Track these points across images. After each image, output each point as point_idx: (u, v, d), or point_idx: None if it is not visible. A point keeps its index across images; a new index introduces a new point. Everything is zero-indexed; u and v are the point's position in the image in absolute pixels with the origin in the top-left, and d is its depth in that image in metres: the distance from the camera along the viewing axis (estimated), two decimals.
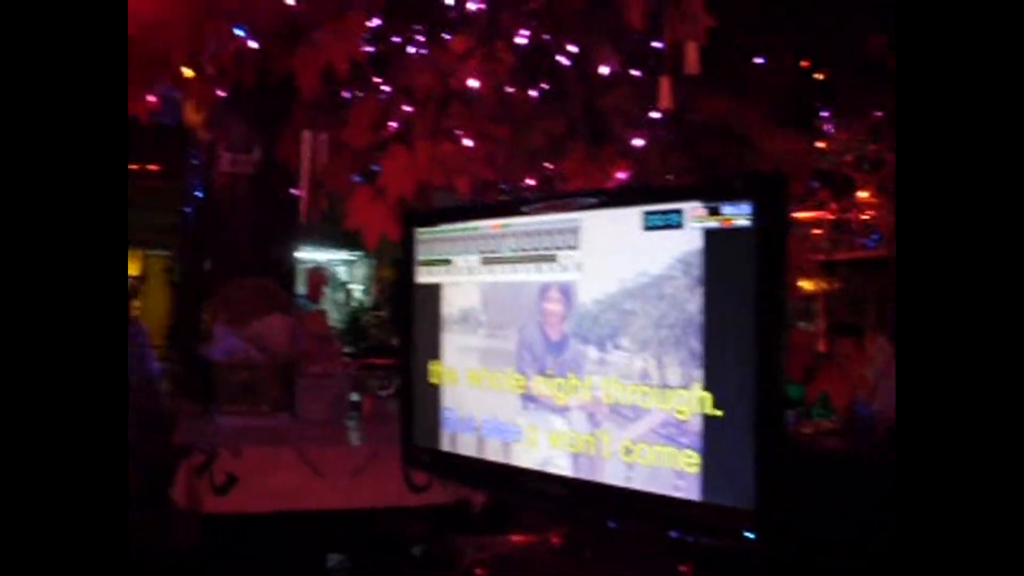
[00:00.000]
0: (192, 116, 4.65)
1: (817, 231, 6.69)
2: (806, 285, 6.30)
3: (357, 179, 4.06)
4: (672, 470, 1.94)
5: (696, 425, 1.90)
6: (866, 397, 4.63)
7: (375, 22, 3.74)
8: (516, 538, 2.54)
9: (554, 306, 2.19)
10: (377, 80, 3.99)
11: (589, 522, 2.28)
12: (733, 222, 1.84)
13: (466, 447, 2.45)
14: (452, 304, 2.47)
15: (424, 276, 2.56)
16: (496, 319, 2.36)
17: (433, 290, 2.52)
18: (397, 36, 3.90)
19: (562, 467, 2.18)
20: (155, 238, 8.89)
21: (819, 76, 4.59)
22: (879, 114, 5.68)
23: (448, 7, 3.78)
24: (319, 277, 6.27)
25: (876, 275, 6.58)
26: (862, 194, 6.63)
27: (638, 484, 2.01)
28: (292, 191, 4.27)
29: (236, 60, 3.80)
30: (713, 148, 3.80)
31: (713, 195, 1.89)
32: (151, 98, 3.94)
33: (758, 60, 4.20)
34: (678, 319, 1.92)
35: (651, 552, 2.13)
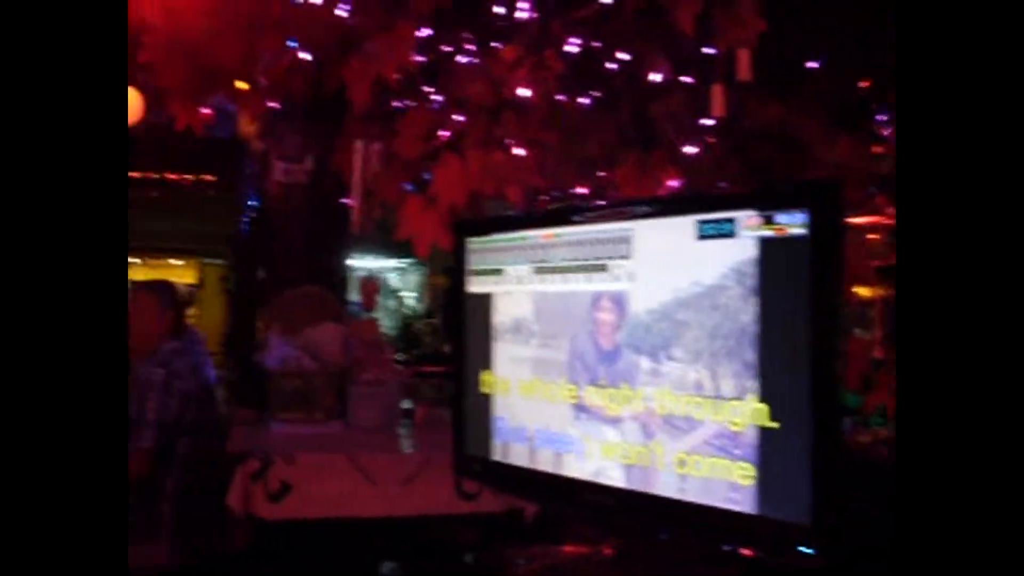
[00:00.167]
0: (246, 127, 4.74)
1: (873, 236, 6.57)
2: (862, 291, 6.19)
3: (409, 188, 4.09)
4: (726, 482, 1.91)
5: (751, 437, 1.87)
6: None
7: (425, 32, 3.76)
8: (568, 549, 2.52)
9: (606, 316, 2.17)
10: (428, 90, 4.02)
11: (641, 534, 2.26)
12: (788, 231, 1.80)
13: (518, 457, 2.44)
14: (504, 314, 2.47)
15: (476, 286, 2.56)
16: (548, 329, 2.35)
17: (484, 300, 2.52)
18: (447, 45, 3.92)
19: (614, 478, 2.16)
20: (212, 247, 9.07)
21: (874, 79, 4.50)
22: None
23: (498, 16, 3.78)
24: (372, 285, 6.33)
25: None
26: None
27: (691, 496, 1.99)
28: (344, 200, 4.32)
29: (288, 72, 3.86)
30: (767, 155, 3.76)
31: (767, 204, 1.85)
32: (206, 110, 4.02)
33: (812, 64, 4.14)
34: (732, 329, 1.89)
35: (703, 565, 2.10)
